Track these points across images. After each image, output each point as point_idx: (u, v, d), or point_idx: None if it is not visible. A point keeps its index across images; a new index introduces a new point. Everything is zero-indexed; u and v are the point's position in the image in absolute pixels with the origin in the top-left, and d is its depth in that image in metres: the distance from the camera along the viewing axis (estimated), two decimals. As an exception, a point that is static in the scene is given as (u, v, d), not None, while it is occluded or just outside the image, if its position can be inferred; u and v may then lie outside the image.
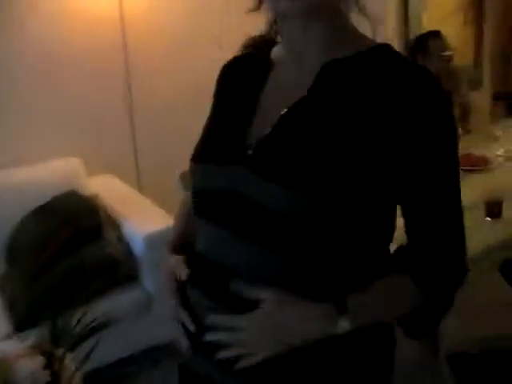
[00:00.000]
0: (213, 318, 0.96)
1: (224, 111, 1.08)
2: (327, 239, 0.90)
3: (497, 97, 4.04)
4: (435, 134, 0.88)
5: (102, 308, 2.44)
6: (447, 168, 0.92)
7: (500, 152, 2.97)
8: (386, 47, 0.95)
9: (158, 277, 2.53)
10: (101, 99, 3.23)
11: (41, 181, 2.85)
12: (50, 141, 3.13)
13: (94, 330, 1.77)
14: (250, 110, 1.00)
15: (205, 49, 3.38)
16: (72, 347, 1.65)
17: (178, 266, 1.10)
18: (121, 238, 2.64)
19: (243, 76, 1.09)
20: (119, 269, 2.54)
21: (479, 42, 4.69)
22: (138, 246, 2.59)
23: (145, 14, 3.27)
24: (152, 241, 2.54)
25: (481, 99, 4.53)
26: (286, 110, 0.95)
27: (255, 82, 1.04)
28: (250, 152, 0.95)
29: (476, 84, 4.69)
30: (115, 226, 2.70)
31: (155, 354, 2.75)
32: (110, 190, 3.01)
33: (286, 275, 0.92)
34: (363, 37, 0.98)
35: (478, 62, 4.70)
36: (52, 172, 2.93)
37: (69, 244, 2.55)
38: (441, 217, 0.93)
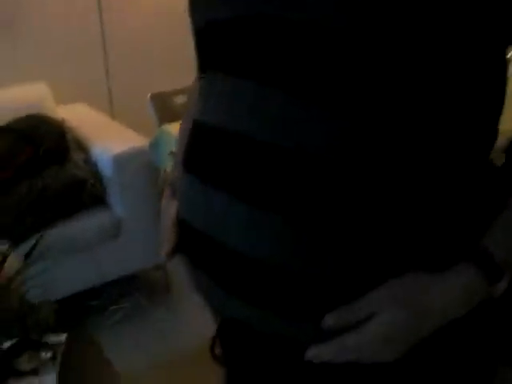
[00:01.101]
0: (317, 351, 0.66)
1: None
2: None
3: None
4: None
5: (64, 231, 2.29)
6: None
7: None
8: None
9: (128, 200, 2.42)
10: (74, 27, 3.03)
11: (7, 105, 2.65)
12: (18, 66, 2.93)
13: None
14: None
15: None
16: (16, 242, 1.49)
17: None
18: (88, 160, 2.46)
19: None
20: (84, 190, 2.36)
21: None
22: (106, 167, 2.41)
23: None
24: (121, 161, 2.36)
25: None
26: None
27: None
28: None
29: None
30: (82, 147, 2.52)
31: (124, 286, 2.59)
32: (80, 116, 2.83)
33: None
34: None
35: None
36: (17, 97, 2.73)
37: (30, 165, 2.37)
38: None
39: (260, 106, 0.64)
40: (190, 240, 0.75)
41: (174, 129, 2.29)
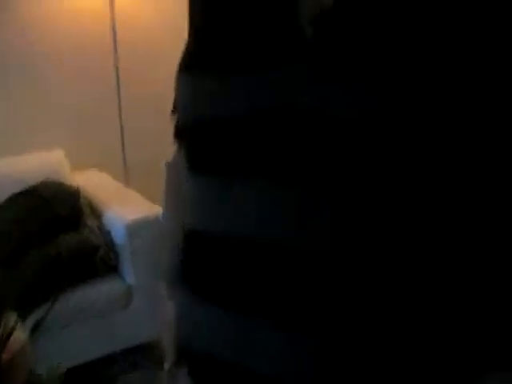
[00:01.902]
0: None
1: None
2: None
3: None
4: None
5: (75, 299, 2.28)
6: None
7: None
8: None
9: (139, 268, 2.41)
10: (90, 94, 3.12)
11: (23, 172, 2.69)
12: (35, 133, 3.00)
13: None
14: None
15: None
16: (24, 314, 1.48)
17: None
18: (101, 227, 2.47)
19: None
20: (97, 256, 2.37)
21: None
22: (119, 235, 2.42)
23: (135, 8, 3.19)
24: (134, 228, 2.37)
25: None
26: None
27: None
28: (308, 33, 0.57)
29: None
30: (96, 214, 2.54)
31: (134, 356, 2.55)
32: (94, 182, 2.86)
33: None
34: None
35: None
36: (35, 164, 2.78)
37: (45, 231, 2.39)
38: None
39: (309, 217, 0.55)
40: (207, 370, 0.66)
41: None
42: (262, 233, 0.57)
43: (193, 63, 0.69)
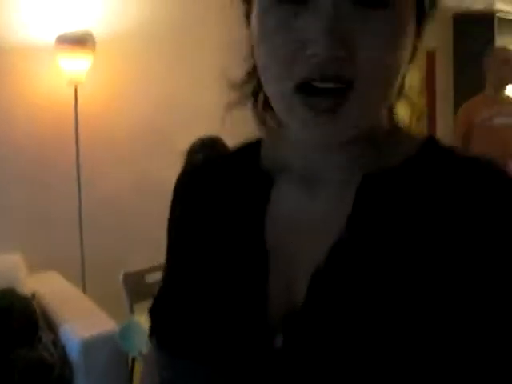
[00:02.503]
0: None
1: (210, 263, 0.67)
2: None
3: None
4: None
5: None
6: None
7: None
8: (434, 145, 0.65)
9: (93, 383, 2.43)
10: (48, 195, 3.18)
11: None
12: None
13: None
14: (259, 259, 0.63)
15: (157, 147, 3.42)
16: None
17: None
18: (56, 342, 2.49)
19: (224, 196, 0.70)
20: (52, 375, 2.38)
21: None
22: (74, 350, 2.44)
23: (98, 110, 3.30)
24: (89, 346, 2.40)
25: None
26: (320, 264, 0.60)
27: (250, 208, 0.67)
28: (278, 343, 0.59)
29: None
30: (51, 328, 2.56)
31: None
32: (51, 288, 2.89)
33: None
34: (404, 135, 0.67)
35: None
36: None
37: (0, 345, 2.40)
38: None
39: None
40: None
41: (143, 320, 2.37)
42: None
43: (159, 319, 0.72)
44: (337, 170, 0.64)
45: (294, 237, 0.63)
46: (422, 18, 0.60)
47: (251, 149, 0.72)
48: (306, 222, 0.64)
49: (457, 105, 4.85)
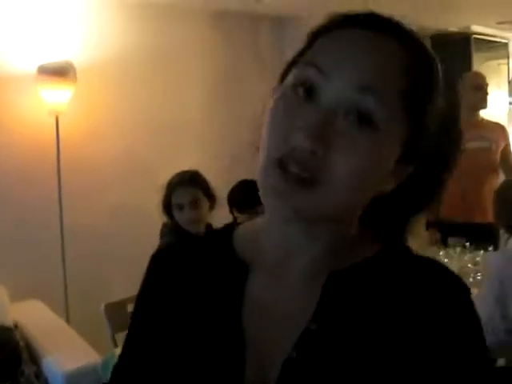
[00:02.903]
0: None
1: (185, 342, 0.70)
2: None
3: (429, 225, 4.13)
4: (470, 338, 0.68)
5: None
6: (484, 370, 0.69)
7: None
8: (396, 247, 0.74)
9: (77, 417, 2.44)
10: (31, 222, 3.20)
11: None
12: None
13: None
14: (236, 340, 0.68)
15: (138, 176, 3.47)
16: None
17: None
18: (39, 375, 2.51)
19: (198, 279, 0.74)
20: (34, 409, 2.40)
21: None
22: (57, 383, 2.46)
23: (80, 138, 3.33)
24: (72, 378, 2.42)
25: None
26: (292, 352, 0.66)
27: (227, 293, 0.71)
28: None
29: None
30: (34, 360, 2.58)
31: None
32: (34, 317, 2.90)
33: None
34: (369, 237, 0.74)
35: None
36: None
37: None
38: None
39: None
40: None
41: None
42: None
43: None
44: (306, 264, 0.70)
45: (269, 323, 0.68)
46: (412, 159, 0.68)
47: (225, 233, 0.77)
48: (277, 310, 0.69)
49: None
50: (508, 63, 5.76)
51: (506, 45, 5.73)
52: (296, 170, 0.61)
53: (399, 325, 0.66)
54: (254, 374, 0.66)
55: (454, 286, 0.69)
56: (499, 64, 5.73)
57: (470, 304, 0.69)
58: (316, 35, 0.67)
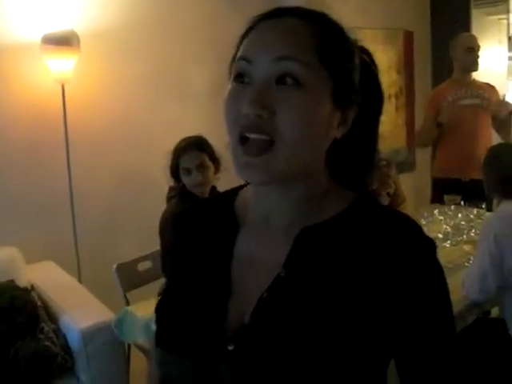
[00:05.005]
0: None
1: (192, 285, 0.89)
2: None
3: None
4: (430, 288, 0.80)
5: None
6: (444, 318, 0.82)
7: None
8: (365, 198, 0.87)
9: (94, 371, 2.61)
10: (41, 189, 3.31)
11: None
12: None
13: None
14: (224, 286, 0.85)
15: (144, 144, 3.56)
16: None
17: None
18: (57, 331, 2.67)
19: (206, 235, 0.93)
20: (55, 362, 2.56)
21: (411, 126, 4.99)
22: (74, 340, 2.62)
23: (86, 105, 3.41)
24: (88, 335, 2.58)
25: (415, 181, 4.80)
26: (264, 293, 0.81)
27: (222, 247, 0.89)
28: (230, 346, 0.79)
29: (410, 166, 4.98)
30: (52, 318, 2.73)
31: None
32: (48, 279, 3.05)
33: None
34: (339, 192, 0.88)
35: (410, 145, 4.99)
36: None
37: (3, 338, 2.57)
38: (439, 363, 0.81)
39: None
40: None
41: (137, 309, 2.55)
42: None
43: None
44: (283, 220, 0.85)
45: (250, 271, 0.85)
46: (345, 105, 0.83)
47: (230, 195, 0.96)
48: (257, 260, 0.85)
49: (434, 81, 4.99)
50: (508, 18, 5.75)
51: (506, 0, 5.70)
52: (255, 136, 0.76)
53: (362, 274, 0.79)
54: (235, 309, 0.82)
55: (417, 238, 0.81)
56: (499, 19, 5.72)
57: (431, 256, 0.81)
58: (244, 36, 0.83)
